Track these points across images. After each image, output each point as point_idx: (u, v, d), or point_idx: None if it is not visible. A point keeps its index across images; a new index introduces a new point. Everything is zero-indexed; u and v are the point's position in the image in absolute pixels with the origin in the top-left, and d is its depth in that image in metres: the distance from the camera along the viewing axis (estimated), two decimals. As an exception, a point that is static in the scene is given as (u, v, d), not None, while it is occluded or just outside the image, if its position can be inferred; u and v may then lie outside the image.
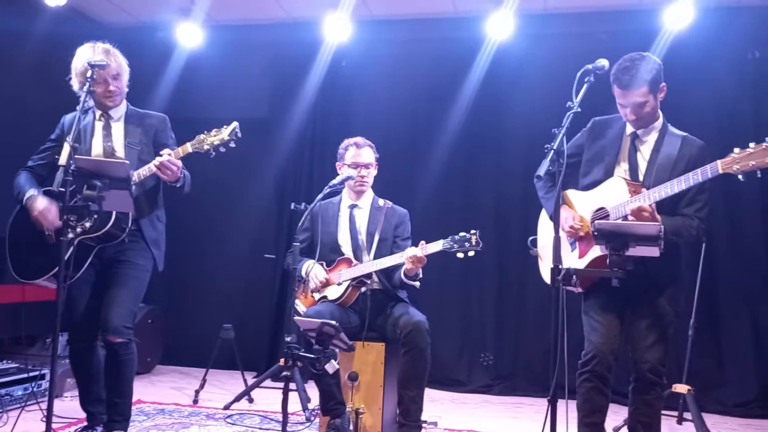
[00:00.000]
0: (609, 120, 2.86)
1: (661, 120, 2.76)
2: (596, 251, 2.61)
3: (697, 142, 2.69)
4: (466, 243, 3.12)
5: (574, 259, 2.74)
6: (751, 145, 2.27)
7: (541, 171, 2.38)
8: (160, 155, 2.90)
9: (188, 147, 2.93)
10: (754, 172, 2.25)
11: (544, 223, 3.01)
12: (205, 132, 2.93)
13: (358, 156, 3.51)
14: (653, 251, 2.35)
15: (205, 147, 2.90)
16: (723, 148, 4.96)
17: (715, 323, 4.63)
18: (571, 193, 2.87)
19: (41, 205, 2.92)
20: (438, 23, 5.24)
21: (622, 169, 2.75)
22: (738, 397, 4.49)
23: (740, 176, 2.30)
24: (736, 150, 2.30)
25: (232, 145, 2.92)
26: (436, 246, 3.17)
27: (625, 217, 2.55)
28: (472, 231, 3.14)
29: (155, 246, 3.09)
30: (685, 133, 2.72)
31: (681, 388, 3.94)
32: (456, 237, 3.15)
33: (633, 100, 2.64)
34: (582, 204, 2.79)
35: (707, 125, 4.70)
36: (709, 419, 4.03)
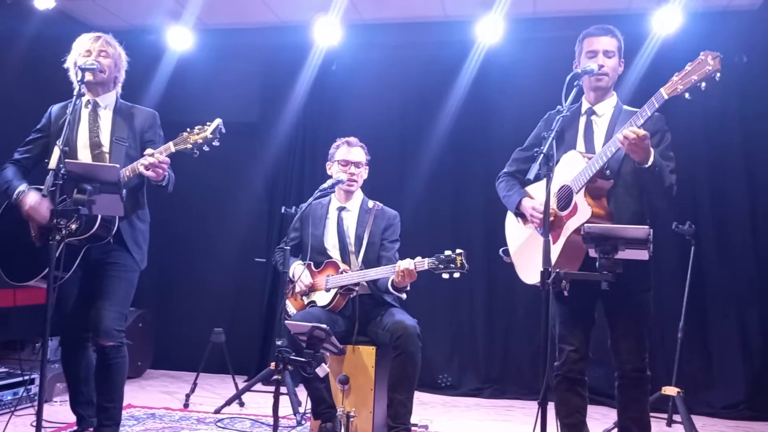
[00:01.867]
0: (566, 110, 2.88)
1: (615, 97, 2.82)
2: (567, 231, 2.60)
3: (654, 114, 2.66)
4: (452, 264, 3.07)
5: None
6: (688, 65, 2.39)
7: (531, 175, 2.40)
8: (145, 156, 2.85)
9: (171, 146, 2.88)
10: (698, 87, 2.36)
11: (511, 228, 2.98)
12: (188, 130, 2.90)
13: (348, 154, 3.52)
14: (642, 254, 2.37)
15: (188, 145, 2.86)
16: (710, 151, 5.05)
17: (704, 326, 4.65)
18: (532, 188, 2.85)
19: (32, 200, 2.88)
20: (428, 27, 5.26)
21: (580, 145, 2.77)
22: (727, 399, 4.51)
23: (686, 95, 2.40)
24: (675, 74, 2.41)
25: (216, 143, 2.88)
26: (421, 264, 3.13)
27: (592, 180, 2.55)
28: (458, 251, 3.07)
29: (135, 245, 3.04)
30: (638, 109, 2.74)
31: (670, 390, 3.96)
32: (441, 257, 3.09)
33: (604, 47, 2.74)
34: (543, 193, 2.77)
35: (695, 128, 4.75)
36: (698, 421, 4.06)
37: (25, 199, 2.90)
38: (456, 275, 3.09)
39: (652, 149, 2.53)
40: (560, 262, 2.61)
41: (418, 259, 3.16)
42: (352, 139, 3.58)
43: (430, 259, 3.12)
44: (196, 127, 2.90)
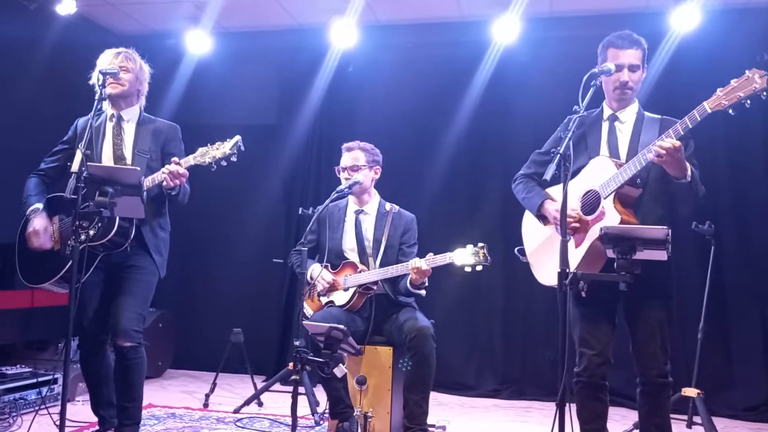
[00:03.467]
0: (586, 113, 2.83)
1: (637, 104, 2.80)
2: (592, 236, 2.58)
3: (677, 120, 2.63)
4: (474, 257, 3.11)
5: (571, 250, 2.69)
6: (733, 80, 2.36)
7: (548, 175, 2.38)
8: (169, 164, 2.91)
9: (191, 159, 2.95)
10: (743, 104, 2.34)
11: (528, 228, 2.96)
12: (208, 145, 2.95)
13: (342, 160, 3.55)
14: (661, 255, 2.35)
15: (207, 160, 2.92)
16: (730, 149, 4.99)
17: (725, 326, 4.60)
18: (552, 190, 2.83)
19: (38, 224, 2.96)
20: (444, 28, 5.27)
21: (603, 151, 2.75)
22: (748, 401, 4.45)
23: (730, 110, 2.37)
24: (719, 89, 2.38)
25: (234, 159, 2.94)
26: (443, 259, 3.16)
27: (621, 186, 2.53)
28: (480, 244, 3.11)
29: (156, 252, 3.10)
30: (660, 116, 2.72)
31: (690, 391, 3.92)
32: (463, 250, 3.12)
33: (630, 60, 2.69)
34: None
35: (715, 128, 4.69)
36: (719, 423, 4.02)
37: (33, 221, 2.98)
38: (479, 268, 3.12)
39: (687, 163, 2.52)
40: (582, 265, 2.60)
41: (430, 255, 3.18)
42: (350, 143, 3.59)
43: (452, 253, 3.14)
44: (216, 143, 2.96)
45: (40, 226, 2.96)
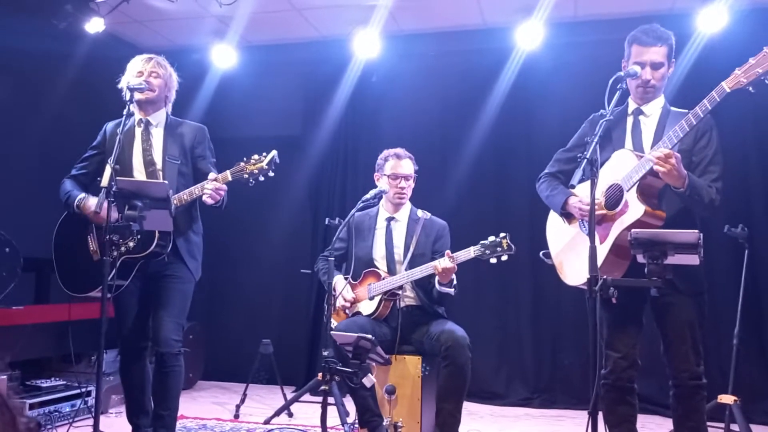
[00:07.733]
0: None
1: (663, 99, 2.75)
2: (616, 230, 2.53)
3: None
4: (498, 248, 3.11)
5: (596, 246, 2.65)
6: (751, 59, 2.33)
7: (575, 180, 2.36)
8: (208, 181, 2.93)
9: (228, 175, 2.97)
10: (762, 80, 2.30)
11: (552, 229, 2.93)
12: (245, 160, 2.98)
13: (398, 167, 3.51)
14: (693, 259, 2.30)
15: (245, 175, 2.96)
16: (762, 151, 4.89)
17: (761, 331, 4.50)
18: (576, 189, 2.76)
19: (94, 205, 2.94)
20: (467, 35, 5.26)
21: (628, 144, 2.71)
22: (788, 408, 4.35)
23: (750, 88, 2.33)
24: (737, 68, 2.35)
25: (271, 174, 2.96)
26: (467, 254, 3.16)
27: (644, 177, 2.49)
28: (502, 234, 3.12)
29: (190, 257, 3.13)
30: (687, 110, 2.65)
31: (727, 398, 3.82)
32: (486, 242, 3.13)
33: (653, 58, 2.66)
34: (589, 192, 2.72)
35: (746, 128, 4.62)
36: (758, 431, 3.92)
37: (87, 204, 3.02)
38: (504, 258, 3.13)
39: (685, 172, 2.46)
40: (608, 261, 2.55)
41: (448, 253, 3.17)
42: (400, 151, 3.56)
43: (476, 247, 3.15)
44: (253, 157, 2.98)
45: (97, 206, 2.89)
